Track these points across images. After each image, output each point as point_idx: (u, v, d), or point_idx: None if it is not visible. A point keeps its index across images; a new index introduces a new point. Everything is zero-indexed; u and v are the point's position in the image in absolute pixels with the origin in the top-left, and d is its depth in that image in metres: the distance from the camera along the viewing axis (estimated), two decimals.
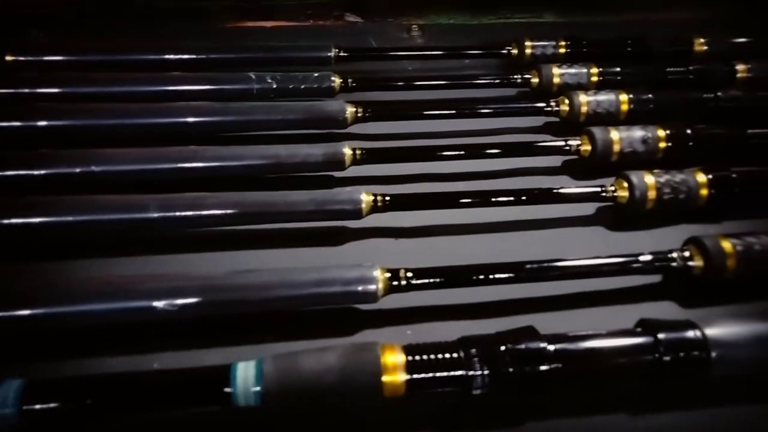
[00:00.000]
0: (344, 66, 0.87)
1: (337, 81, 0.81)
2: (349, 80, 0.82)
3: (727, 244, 0.54)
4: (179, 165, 0.65)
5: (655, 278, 0.58)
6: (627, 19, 1.21)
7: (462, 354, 0.40)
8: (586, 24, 1.18)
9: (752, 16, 1.21)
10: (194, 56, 0.86)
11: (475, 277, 0.52)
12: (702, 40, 0.97)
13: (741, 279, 0.54)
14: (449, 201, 0.63)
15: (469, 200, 0.63)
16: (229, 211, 0.58)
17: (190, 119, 0.72)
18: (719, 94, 0.81)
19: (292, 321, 0.51)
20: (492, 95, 0.89)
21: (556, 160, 0.75)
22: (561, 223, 0.65)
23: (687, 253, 0.54)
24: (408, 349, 0.40)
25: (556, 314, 0.54)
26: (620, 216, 0.65)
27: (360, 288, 0.48)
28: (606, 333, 0.45)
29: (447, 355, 0.39)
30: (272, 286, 0.49)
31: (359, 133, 0.77)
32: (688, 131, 0.72)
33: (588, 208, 0.67)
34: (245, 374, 0.37)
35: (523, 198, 0.63)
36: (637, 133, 0.71)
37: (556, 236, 0.64)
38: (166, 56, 0.84)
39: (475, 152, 0.71)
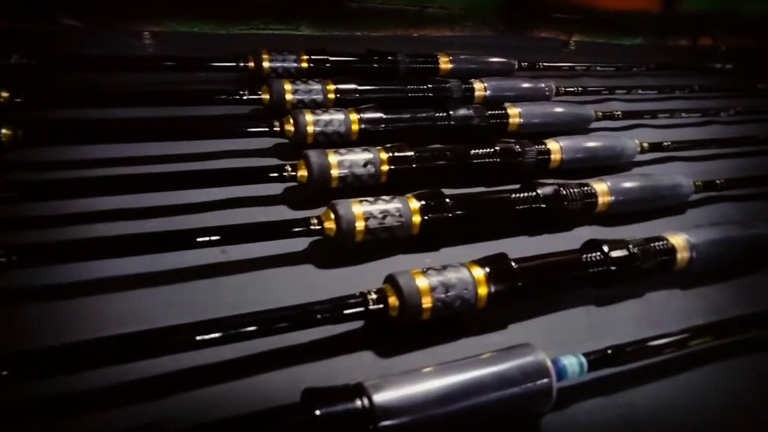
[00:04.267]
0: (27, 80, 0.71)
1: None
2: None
3: (421, 280, 0.49)
4: None
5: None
6: (388, 35, 1.19)
7: None
8: (344, 38, 1.14)
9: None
10: None
11: None
12: (447, 58, 0.97)
13: (442, 319, 0.50)
14: (120, 246, 0.51)
15: (142, 245, 0.51)
16: None
17: None
18: (451, 113, 0.80)
19: None
20: (223, 113, 0.79)
21: (277, 188, 0.67)
22: (269, 263, 0.57)
23: (374, 295, 0.48)
24: None
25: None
26: (333, 250, 0.58)
27: None
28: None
29: None
30: None
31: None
32: (412, 153, 0.68)
33: (300, 243, 0.59)
34: None
35: (216, 238, 0.53)
36: (359, 156, 0.65)
37: (261, 279, 0.55)
38: None
39: (164, 182, 0.59)
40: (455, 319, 0.51)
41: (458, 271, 0.51)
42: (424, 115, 0.79)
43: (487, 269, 0.51)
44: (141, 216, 0.58)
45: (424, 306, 0.48)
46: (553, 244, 0.65)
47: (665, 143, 0.86)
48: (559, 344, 0.52)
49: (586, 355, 0.46)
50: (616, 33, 1.43)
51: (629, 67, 1.18)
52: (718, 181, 0.78)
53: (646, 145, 0.84)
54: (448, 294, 0.49)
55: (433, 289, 0.49)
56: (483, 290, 0.50)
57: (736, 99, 1.18)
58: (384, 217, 0.57)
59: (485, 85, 0.91)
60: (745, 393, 0.54)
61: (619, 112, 0.94)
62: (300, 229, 0.55)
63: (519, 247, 0.62)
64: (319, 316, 0.46)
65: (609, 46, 1.41)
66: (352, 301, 0.47)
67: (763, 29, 1.62)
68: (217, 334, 0.42)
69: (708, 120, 1.05)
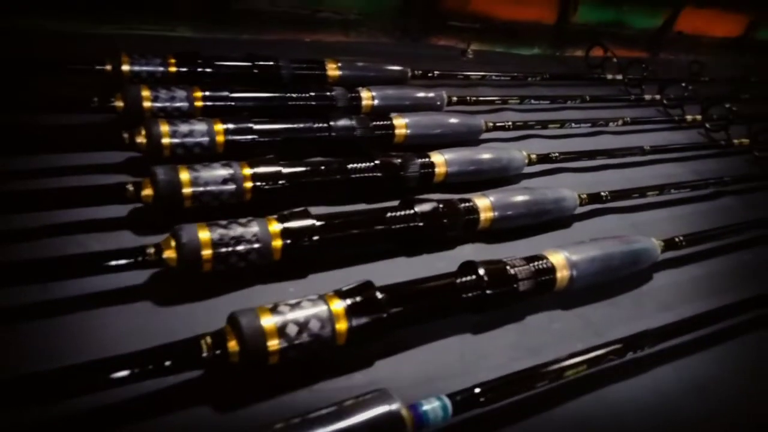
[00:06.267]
0: None
1: None
2: None
3: (268, 319, 0.42)
4: None
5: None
6: (278, 39, 1.12)
7: None
8: (227, 42, 1.06)
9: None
10: None
11: None
12: (335, 65, 0.91)
13: (298, 360, 0.44)
14: None
15: None
16: None
17: None
18: (331, 123, 0.74)
19: None
20: (75, 123, 0.69)
21: (121, 210, 0.58)
22: (95, 302, 0.48)
23: (210, 340, 0.41)
24: None
25: None
26: (179, 283, 0.51)
27: None
28: None
29: None
30: None
31: None
32: (280, 168, 0.62)
33: (138, 276, 0.51)
34: None
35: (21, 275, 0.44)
36: (217, 172, 0.58)
37: (80, 323, 0.46)
38: None
39: None
40: (314, 359, 0.46)
41: (315, 306, 0.45)
42: (302, 126, 0.73)
43: (348, 301, 0.46)
44: None
45: (271, 349, 0.42)
46: (432, 264, 0.60)
47: (553, 154, 0.85)
48: (428, 381, 0.48)
49: (451, 396, 0.41)
50: (514, 43, 1.43)
51: (524, 76, 1.18)
52: (603, 194, 0.77)
53: (534, 156, 0.83)
54: (302, 333, 0.43)
55: (281, 329, 0.42)
56: (342, 325, 0.45)
57: (625, 109, 1.20)
58: (237, 243, 0.51)
59: (373, 93, 0.86)
60: (628, 414, 0.52)
61: (510, 123, 0.92)
62: (126, 261, 0.47)
63: (396, 270, 0.58)
64: (130, 371, 0.38)
65: (507, 55, 1.41)
66: (182, 348, 0.40)
67: (651, 41, 1.69)
68: None
69: (597, 130, 1.05)
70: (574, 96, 1.14)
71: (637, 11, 1.58)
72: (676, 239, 0.70)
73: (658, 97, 1.26)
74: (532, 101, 1.07)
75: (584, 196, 0.75)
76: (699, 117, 1.21)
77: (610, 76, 1.32)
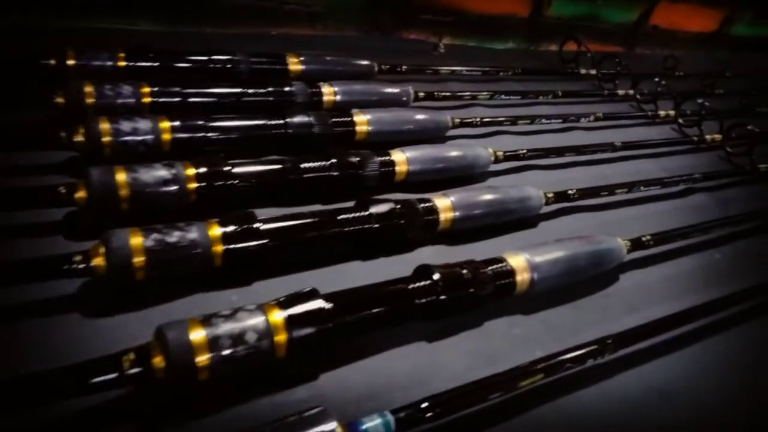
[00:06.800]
0: None
1: None
2: None
3: (198, 332, 0.39)
4: None
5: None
6: (243, 32, 1.08)
7: None
8: (191, 35, 1.02)
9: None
10: None
11: None
12: (297, 59, 0.88)
13: (234, 375, 0.41)
14: None
15: None
16: None
17: None
18: (287, 120, 0.71)
19: None
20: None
21: (57, 214, 0.55)
22: (17, 313, 0.45)
23: (133, 355, 0.38)
24: None
25: None
26: (114, 292, 0.48)
27: None
28: None
29: None
30: None
31: None
32: (229, 168, 0.59)
33: (68, 285, 0.47)
34: None
35: None
36: (158, 172, 0.55)
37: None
38: None
39: None
40: (253, 373, 0.43)
41: (252, 316, 0.42)
42: (256, 123, 0.70)
43: (289, 311, 0.43)
44: None
45: (200, 365, 0.39)
46: (389, 268, 0.57)
47: (521, 151, 0.83)
48: (375, 396, 0.45)
49: (396, 411, 0.39)
50: (487, 37, 1.41)
51: (496, 71, 1.16)
52: (570, 192, 0.75)
53: (500, 154, 0.80)
54: (236, 347, 0.40)
55: (213, 342, 0.39)
56: (282, 337, 0.42)
57: (598, 105, 1.18)
58: (174, 248, 0.47)
59: (335, 89, 0.83)
60: (590, 426, 0.50)
61: (478, 119, 0.90)
62: (51, 270, 0.44)
63: (350, 275, 0.55)
64: (40, 392, 0.35)
65: (480, 49, 1.38)
66: (100, 365, 0.37)
67: (626, 36, 1.68)
68: None
69: (569, 126, 1.03)
70: (546, 91, 1.11)
71: (612, 5, 1.57)
72: (644, 239, 0.68)
73: (631, 92, 1.24)
74: (503, 96, 1.04)
75: (551, 194, 0.73)
76: (672, 112, 1.19)
77: (583, 71, 1.30)
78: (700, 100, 1.15)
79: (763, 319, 0.67)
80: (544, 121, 0.99)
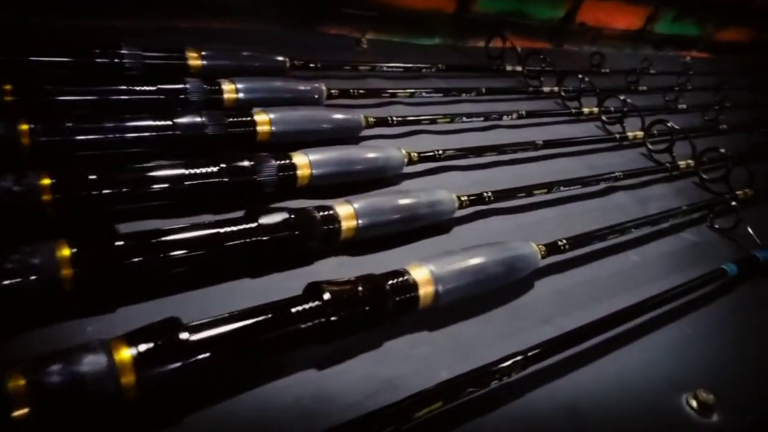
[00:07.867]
0: None
1: None
2: None
3: (18, 380, 0.33)
4: None
5: None
6: (150, 26, 1.00)
7: None
8: (88, 29, 0.91)
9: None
10: None
11: None
12: (197, 54, 0.81)
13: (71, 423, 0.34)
14: None
15: None
16: None
17: None
18: (175, 121, 0.64)
19: None
20: None
21: None
22: None
23: None
24: None
25: None
26: None
27: None
28: None
29: None
30: None
31: None
32: (95, 176, 0.51)
33: None
34: None
35: None
36: (2, 183, 0.47)
37: None
38: None
39: None
40: (99, 422, 0.36)
41: (92, 355, 0.35)
42: (138, 124, 0.63)
43: (140, 347, 0.37)
44: None
45: (17, 417, 0.32)
46: (283, 285, 0.52)
47: (437, 152, 0.78)
48: None
49: None
50: (413, 32, 1.37)
51: (418, 68, 1.11)
52: (486, 194, 0.71)
53: (415, 155, 0.76)
54: (68, 393, 0.34)
55: (36, 389, 0.33)
56: (129, 379, 0.36)
57: (523, 102, 1.16)
58: (12, 275, 0.40)
59: (237, 86, 0.76)
60: None
61: (394, 118, 0.85)
62: None
63: (236, 296, 0.49)
64: None
65: (406, 45, 1.34)
66: None
67: (554, 33, 1.68)
68: None
69: (491, 124, 1.00)
70: (470, 89, 1.08)
71: (539, 1, 1.56)
72: (559, 243, 0.65)
73: (556, 89, 1.23)
74: (423, 94, 1.00)
75: (465, 197, 0.69)
76: (596, 110, 1.18)
77: (510, 68, 1.28)
78: (622, 97, 1.14)
79: (681, 322, 0.65)
80: (465, 119, 0.95)
